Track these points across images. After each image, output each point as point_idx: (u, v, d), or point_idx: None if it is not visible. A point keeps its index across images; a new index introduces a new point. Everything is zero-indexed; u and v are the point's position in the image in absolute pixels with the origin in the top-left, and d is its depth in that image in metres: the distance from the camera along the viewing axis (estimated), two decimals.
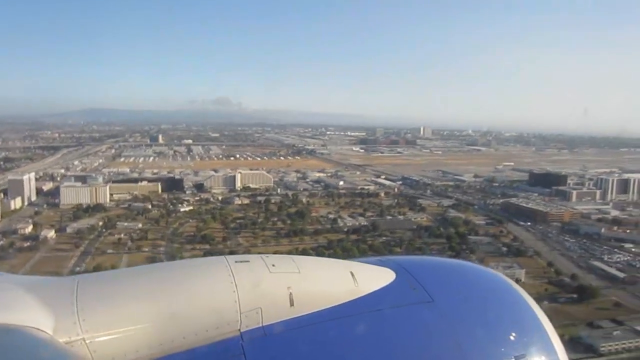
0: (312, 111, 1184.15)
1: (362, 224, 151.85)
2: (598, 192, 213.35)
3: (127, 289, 3.90)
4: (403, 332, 4.19)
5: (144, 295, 3.86)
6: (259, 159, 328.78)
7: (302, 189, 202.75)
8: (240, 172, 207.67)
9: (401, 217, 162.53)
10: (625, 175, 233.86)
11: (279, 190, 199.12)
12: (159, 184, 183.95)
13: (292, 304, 4.02)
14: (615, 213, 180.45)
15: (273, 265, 4.20)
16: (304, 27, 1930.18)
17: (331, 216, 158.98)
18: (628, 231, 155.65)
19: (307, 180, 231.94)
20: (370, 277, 4.51)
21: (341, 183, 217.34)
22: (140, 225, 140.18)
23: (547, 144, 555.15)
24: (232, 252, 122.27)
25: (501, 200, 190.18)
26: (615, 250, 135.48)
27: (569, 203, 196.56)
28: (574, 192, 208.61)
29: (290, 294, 4.03)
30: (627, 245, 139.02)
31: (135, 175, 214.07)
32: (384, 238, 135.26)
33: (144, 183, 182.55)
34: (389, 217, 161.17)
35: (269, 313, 3.95)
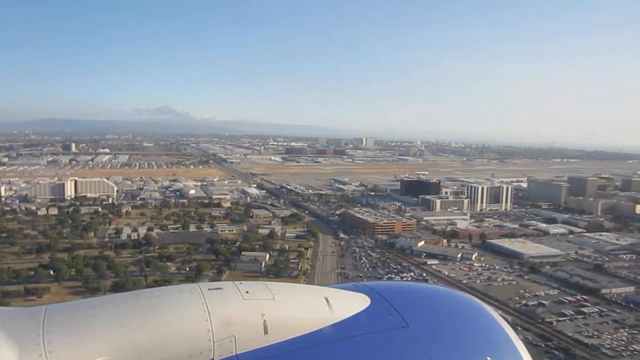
0: (267, 122, 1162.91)
1: (151, 237, 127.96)
2: (466, 201, 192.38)
3: (96, 319, 3.61)
4: (379, 358, 4.03)
5: (114, 325, 3.58)
6: (155, 167, 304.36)
7: (138, 199, 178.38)
8: (74, 180, 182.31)
9: (208, 229, 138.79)
10: (497, 183, 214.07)
11: (110, 200, 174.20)
12: None
13: (266, 332, 3.82)
14: (463, 224, 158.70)
15: (247, 292, 4.00)
16: (257, 35, 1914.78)
17: (128, 228, 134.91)
18: (454, 245, 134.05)
19: (169, 188, 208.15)
20: (345, 303, 4.33)
21: (192, 192, 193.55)
22: None
23: (482, 154, 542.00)
24: None
25: (341, 211, 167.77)
26: (412, 268, 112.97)
27: (426, 213, 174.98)
28: (438, 202, 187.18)
29: (264, 321, 3.84)
30: (431, 262, 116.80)
31: None
32: (147, 254, 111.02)
33: None
34: (192, 230, 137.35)
35: (243, 341, 3.74)
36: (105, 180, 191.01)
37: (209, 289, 3.95)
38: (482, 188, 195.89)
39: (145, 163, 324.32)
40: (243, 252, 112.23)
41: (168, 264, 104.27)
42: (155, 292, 4.01)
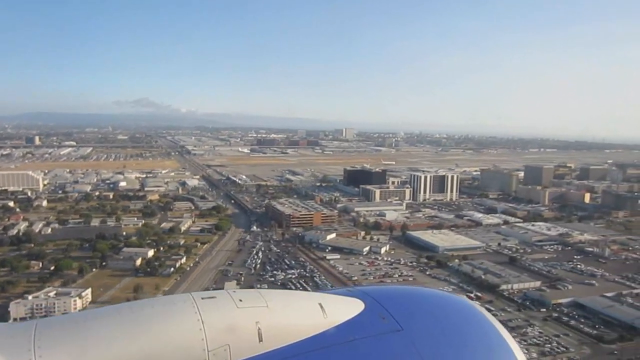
0: (254, 114, 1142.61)
1: (45, 232, 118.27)
2: (407, 191, 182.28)
3: (89, 332, 3.54)
4: None
5: (107, 338, 3.51)
6: (112, 159, 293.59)
7: (60, 192, 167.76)
8: None
9: (112, 223, 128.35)
10: (442, 172, 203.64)
11: (30, 193, 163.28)
12: None
13: (260, 339, 3.77)
14: (393, 215, 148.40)
15: (240, 300, 3.97)
16: (242, 27, 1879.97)
17: (24, 223, 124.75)
18: (370, 237, 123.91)
19: (107, 180, 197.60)
20: (340, 308, 4.31)
21: (122, 184, 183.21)
22: None
23: (459, 145, 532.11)
24: None
25: (265, 202, 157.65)
26: (307, 264, 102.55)
27: (361, 204, 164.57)
28: (377, 192, 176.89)
29: (259, 329, 3.80)
30: (331, 256, 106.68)
31: None
32: (21, 252, 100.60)
33: None
34: (94, 224, 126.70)
35: (238, 350, 3.70)
36: (30, 173, 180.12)
37: (202, 298, 3.85)
38: (426, 177, 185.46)
39: (105, 155, 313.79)
40: (124, 249, 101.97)
41: (32, 262, 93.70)
42: (148, 303, 3.89)
